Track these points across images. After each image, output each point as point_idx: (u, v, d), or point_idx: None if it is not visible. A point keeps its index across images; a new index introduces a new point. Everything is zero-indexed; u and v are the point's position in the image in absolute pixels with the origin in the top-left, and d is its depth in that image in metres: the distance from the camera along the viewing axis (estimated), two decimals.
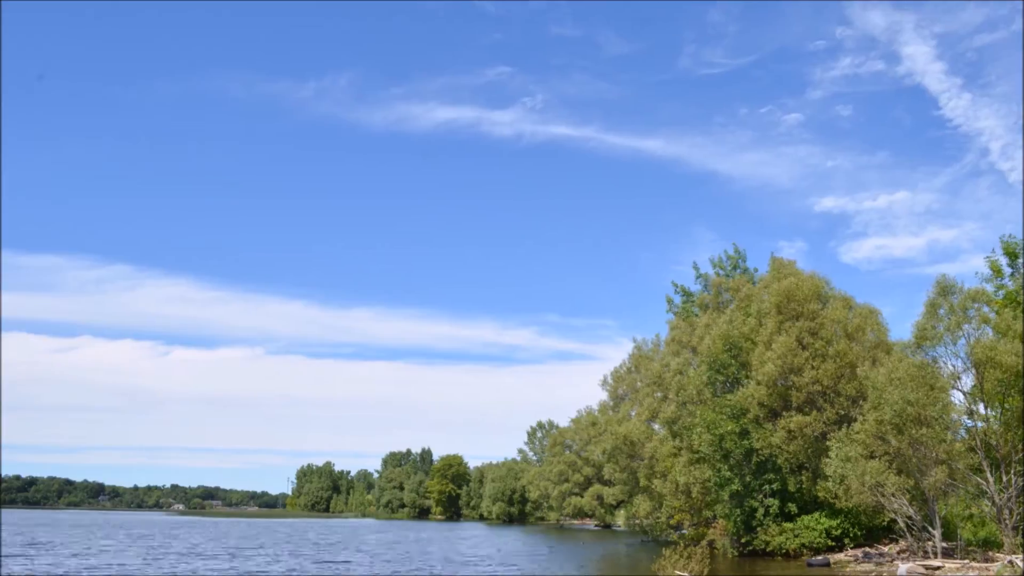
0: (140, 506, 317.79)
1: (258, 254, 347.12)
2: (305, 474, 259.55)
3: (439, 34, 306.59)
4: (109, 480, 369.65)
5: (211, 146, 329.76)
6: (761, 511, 41.02)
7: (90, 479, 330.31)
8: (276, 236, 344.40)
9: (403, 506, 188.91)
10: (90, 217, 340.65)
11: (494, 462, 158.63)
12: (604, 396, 77.29)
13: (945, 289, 34.45)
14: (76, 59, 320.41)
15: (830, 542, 39.27)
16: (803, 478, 41.39)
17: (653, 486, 52.93)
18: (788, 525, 40.60)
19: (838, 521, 39.29)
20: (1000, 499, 32.36)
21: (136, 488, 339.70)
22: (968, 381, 33.71)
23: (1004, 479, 32.31)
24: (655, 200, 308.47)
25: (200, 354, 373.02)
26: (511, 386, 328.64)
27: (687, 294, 64.08)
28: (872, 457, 33.89)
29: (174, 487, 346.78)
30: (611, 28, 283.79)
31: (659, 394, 56.07)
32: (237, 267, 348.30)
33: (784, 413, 41.10)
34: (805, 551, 39.43)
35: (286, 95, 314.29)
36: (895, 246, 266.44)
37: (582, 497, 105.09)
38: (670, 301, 65.73)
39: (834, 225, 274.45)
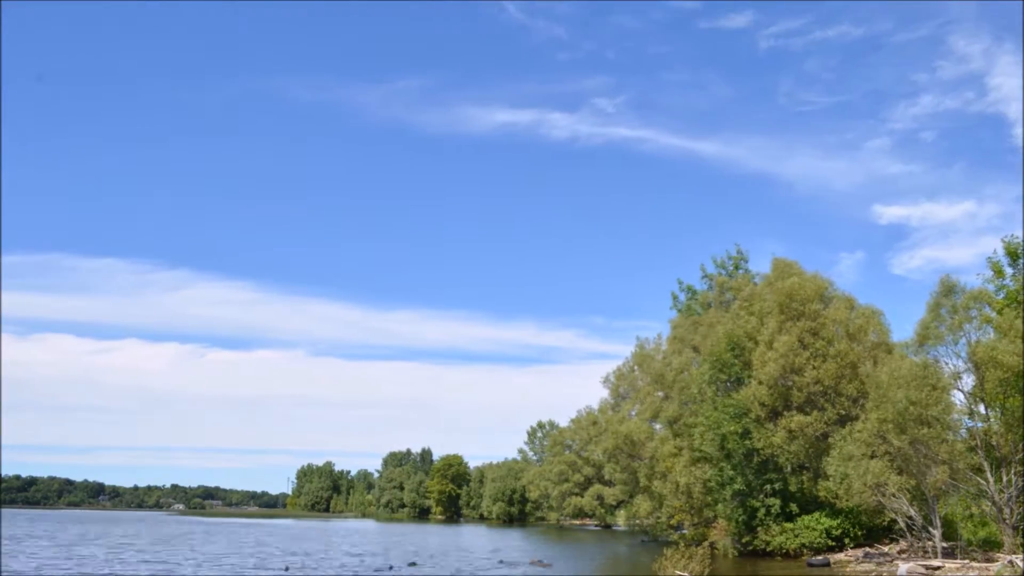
0: (140, 506, 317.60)
1: (306, 256, 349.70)
2: (305, 474, 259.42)
3: (553, 73, 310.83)
4: (109, 480, 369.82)
5: (266, 147, 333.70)
6: (763, 511, 41.05)
7: (90, 479, 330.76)
8: (325, 237, 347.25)
9: (403, 506, 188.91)
10: (146, 219, 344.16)
11: (494, 462, 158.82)
12: (606, 394, 77.26)
13: (947, 289, 34.49)
14: (138, 59, 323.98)
15: (830, 542, 39.30)
16: (804, 478, 41.42)
17: (654, 486, 52.96)
18: (788, 525, 40.63)
19: (838, 521, 39.33)
20: (1000, 499, 32.40)
21: (136, 488, 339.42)
22: (969, 381, 33.76)
23: (1004, 479, 32.34)
24: (718, 204, 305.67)
25: (236, 356, 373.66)
26: (526, 386, 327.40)
27: (693, 292, 64.02)
28: (873, 456, 33.94)
29: (174, 487, 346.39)
30: (718, 72, 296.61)
31: (660, 393, 56.11)
32: (288, 269, 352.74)
33: (785, 413, 41.14)
34: (805, 551, 39.45)
35: (350, 98, 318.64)
36: (949, 257, 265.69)
37: (582, 497, 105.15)
38: (675, 298, 65.72)
39: (896, 235, 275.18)
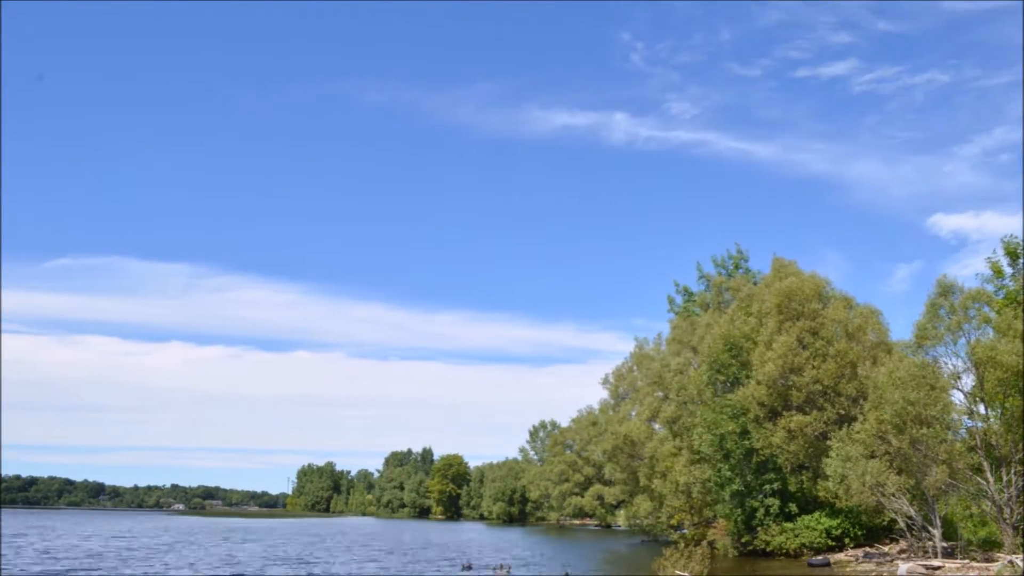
0: (140, 506, 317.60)
1: (361, 259, 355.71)
2: (306, 474, 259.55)
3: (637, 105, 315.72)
4: (109, 480, 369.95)
5: (320, 151, 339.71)
6: (762, 511, 41.03)
7: (91, 479, 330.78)
8: (378, 238, 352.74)
9: (403, 506, 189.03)
10: (205, 223, 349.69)
11: (495, 462, 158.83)
12: (605, 395, 77.21)
13: (946, 289, 34.44)
14: (198, 63, 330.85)
15: (830, 542, 39.28)
16: (803, 478, 41.38)
17: (654, 486, 52.94)
18: (788, 525, 40.61)
19: (838, 521, 39.31)
20: (1000, 499, 32.36)
21: (136, 488, 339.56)
22: (968, 381, 33.72)
23: (1004, 479, 32.31)
24: (776, 208, 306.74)
25: (272, 357, 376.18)
26: (547, 386, 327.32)
27: (689, 293, 64.01)
28: (873, 457, 33.91)
29: (174, 487, 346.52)
30: (808, 108, 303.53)
31: (660, 393, 56.10)
32: (337, 271, 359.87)
33: (784, 413, 41.11)
34: (805, 551, 39.42)
35: (416, 101, 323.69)
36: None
37: (582, 497, 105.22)
38: (671, 301, 65.69)
39: (955, 245, 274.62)
